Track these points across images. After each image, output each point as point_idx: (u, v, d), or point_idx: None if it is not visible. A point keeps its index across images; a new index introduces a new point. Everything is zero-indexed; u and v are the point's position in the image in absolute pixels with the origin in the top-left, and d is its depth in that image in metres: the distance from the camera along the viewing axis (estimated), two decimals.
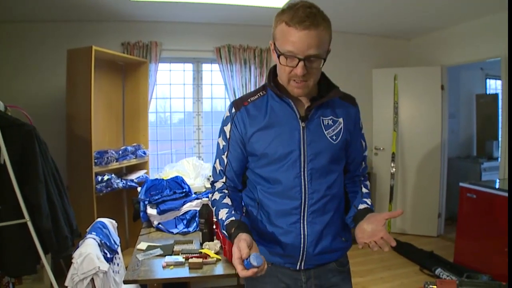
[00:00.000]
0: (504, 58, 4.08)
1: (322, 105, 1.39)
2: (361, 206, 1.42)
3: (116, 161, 3.85)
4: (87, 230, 2.32)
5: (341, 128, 1.41)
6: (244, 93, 1.98)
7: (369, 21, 4.64)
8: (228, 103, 4.80)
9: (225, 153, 1.46)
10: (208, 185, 3.46)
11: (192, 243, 2.38)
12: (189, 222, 2.68)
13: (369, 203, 1.44)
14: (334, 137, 1.38)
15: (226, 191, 1.46)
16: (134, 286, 2.38)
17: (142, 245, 2.37)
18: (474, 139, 6.15)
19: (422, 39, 5.31)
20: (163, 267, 2.04)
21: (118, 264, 2.43)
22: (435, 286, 1.32)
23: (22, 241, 2.44)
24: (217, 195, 1.45)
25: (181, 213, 2.73)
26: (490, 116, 5.79)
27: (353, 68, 5.24)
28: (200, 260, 2.04)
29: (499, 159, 4.49)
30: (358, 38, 5.25)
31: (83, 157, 3.54)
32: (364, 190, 1.52)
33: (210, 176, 3.27)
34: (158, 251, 2.24)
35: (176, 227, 2.66)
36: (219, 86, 4.87)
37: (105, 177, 3.70)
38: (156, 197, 2.81)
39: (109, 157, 3.72)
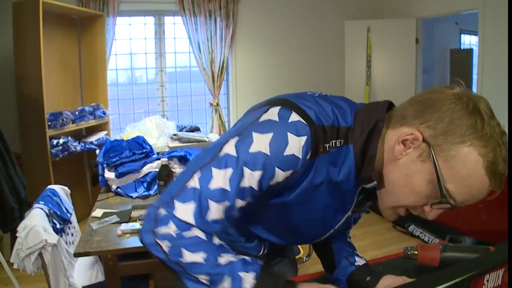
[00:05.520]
0: (481, 11, 3.93)
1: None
2: (360, 262, 1.13)
3: (73, 123, 3.68)
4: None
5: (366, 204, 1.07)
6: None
7: None
8: (192, 58, 4.62)
9: (246, 199, 0.85)
10: (172, 144, 3.30)
11: None
12: (149, 184, 2.52)
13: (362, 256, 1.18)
14: (356, 211, 1.05)
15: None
16: (93, 258, 2.21)
17: (98, 212, 2.18)
18: None
19: None
20: (118, 236, 1.86)
21: (72, 234, 2.24)
22: (416, 252, 1.18)
23: None
24: (199, 233, 0.83)
25: (141, 176, 2.56)
26: (464, 71, 5.73)
27: (324, 20, 5.07)
28: None
29: None
30: None
31: (35, 120, 3.37)
32: (350, 241, 1.23)
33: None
34: (114, 218, 2.05)
35: (136, 190, 2.50)
36: (183, 40, 4.66)
37: (61, 140, 3.53)
38: (114, 159, 2.62)
39: (64, 119, 3.53)
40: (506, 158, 0.77)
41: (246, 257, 0.86)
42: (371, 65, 4.93)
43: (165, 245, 0.82)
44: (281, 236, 1.05)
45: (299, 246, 2.77)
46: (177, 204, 0.81)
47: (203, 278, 0.83)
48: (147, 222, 0.84)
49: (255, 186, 0.82)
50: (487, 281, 1.05)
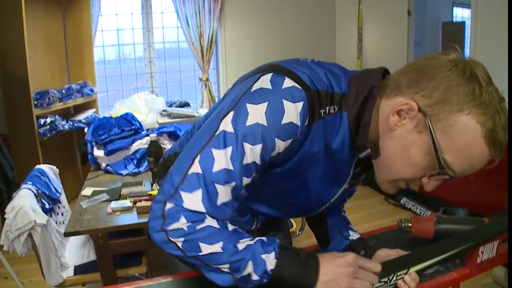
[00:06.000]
0: None
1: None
2: (354, 236, 1.10)
3: (60, 101, 3.57)
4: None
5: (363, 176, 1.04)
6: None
7: None
8: (181, 32, 4.50)
9: (251, 176, 0.81)
10: (162, 120, 3.25)
11: (142, 184, 2.19)
12: (139, 161, 2.50)
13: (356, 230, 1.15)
14: (353, 183, 1.02)
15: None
16: (84, 237, 2.18)
17: (87, 191, 2.15)
18: None
19: None
20: (109, 214, 1.84)
21: (62, 214, 2.21)
22: (410, 224, 1.17)
23: None
24: (212, 222, 0.80)
25: (130, 153, 2.54)
26: (456, 45, 5.67)
27: None
28: (149, 203, 1.81)
29: None
30: None
31: (21, 99, 3.26)
32: (345, 214, 1.20)
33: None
34: (104, 196, 2.03)
35: (125, 168, 2.47)
36: (171, 15, 4.55)
37: (48, 120, 3.43)
38: (103, 137, 2.58)
39: (51, 98, 3.43)
40: (505, 125, 0.73)
41: (263, 238, 0.83)
42: (363, 38, 4.86)
43: (179, 241, 0.78)
44: (276, 207, 1.02)
45: (291, 220, 2.77)
46: (184, 195, 0.77)
47: (224, 268, 0.79)
48: (154, 221, 0.78)
49: (258, 160, 0.78)
50: (482, 253, 1.04)
